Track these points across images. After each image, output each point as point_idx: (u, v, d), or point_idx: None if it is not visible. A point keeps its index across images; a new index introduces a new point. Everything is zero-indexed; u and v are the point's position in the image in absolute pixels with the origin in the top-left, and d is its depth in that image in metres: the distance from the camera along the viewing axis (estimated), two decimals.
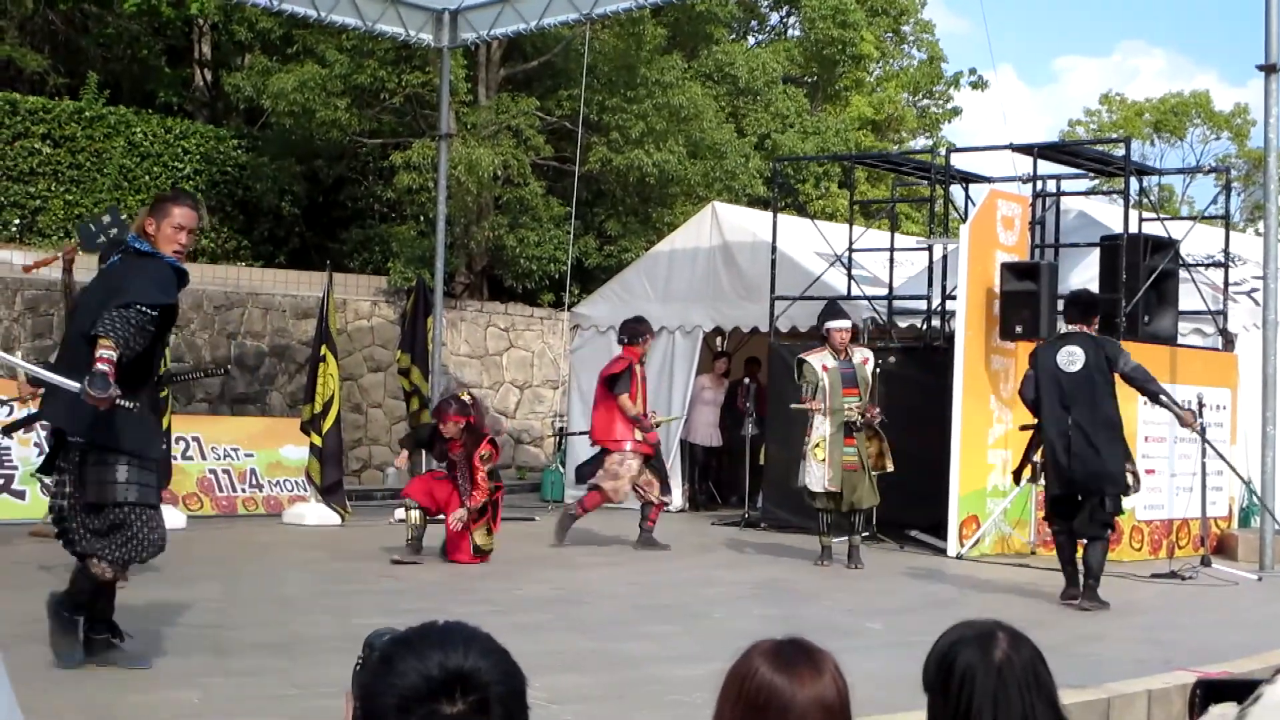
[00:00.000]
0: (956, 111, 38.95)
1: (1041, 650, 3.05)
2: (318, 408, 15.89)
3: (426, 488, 13.27)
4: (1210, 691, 2.09)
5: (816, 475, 13.47)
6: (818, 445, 13.49)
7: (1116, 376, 11.56)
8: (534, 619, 9.95)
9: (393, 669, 2.16)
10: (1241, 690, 1.98)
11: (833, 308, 14.18)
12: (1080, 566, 11.43)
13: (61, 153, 21.60)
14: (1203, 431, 13.18)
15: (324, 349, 16.06)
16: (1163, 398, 11.69)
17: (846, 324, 13.83)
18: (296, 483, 16.51)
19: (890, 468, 13.60)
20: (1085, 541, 11.43)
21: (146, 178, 22.34)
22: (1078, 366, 11.50)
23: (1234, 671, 8.54)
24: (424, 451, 14.54)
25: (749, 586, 12.35)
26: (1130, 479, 11.50)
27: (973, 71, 38.36)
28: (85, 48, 24.84)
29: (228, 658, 8.23)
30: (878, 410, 13.54)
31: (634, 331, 14.76)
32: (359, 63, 22.44)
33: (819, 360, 13.63)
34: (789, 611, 10.88)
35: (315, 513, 15.74)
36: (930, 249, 16.73)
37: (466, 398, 13.47)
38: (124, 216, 13.36)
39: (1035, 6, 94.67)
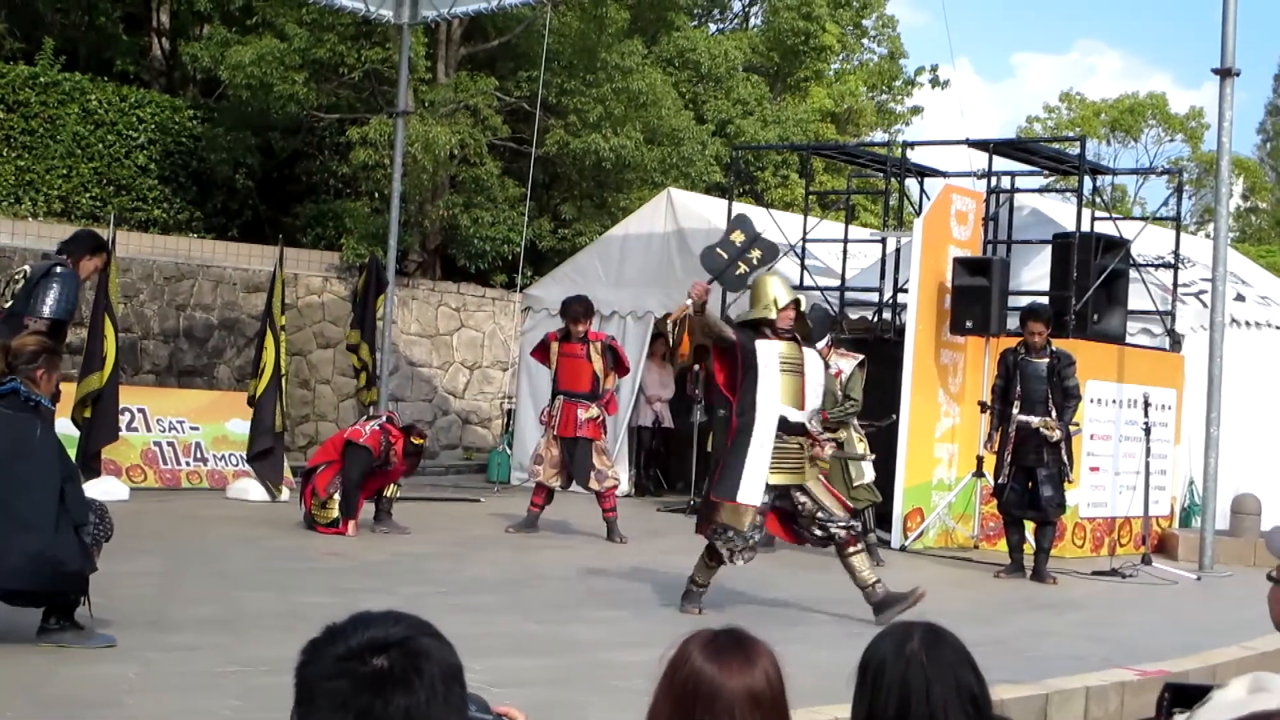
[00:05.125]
0: (917, 110, 39.00)
1: (982, 645, 3.07)
2: (264, 382, 15.81)
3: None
4: (1179, 694, 2.11)
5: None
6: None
7: None
8: (480, 601, 9.91)
9: (323, 649, 2.30)
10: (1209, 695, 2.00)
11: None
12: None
13: (15, 118, 21.34)
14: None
15: (270, 325, 15.98)
16: None
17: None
18: (241, 457, 16.38)
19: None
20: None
21: (100, 146, 22.12)
22: None
23: (1171, 670, 8.62)
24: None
25: None
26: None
27: (933, 69, 38.42)
28: (42, 12, 24.58)
29: (168, 633, 8.16)
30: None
31: (561, 310, 14.71)
32: (318, 37, 22.30)
33: None
34: (736, 600, 10.90)
35: (259, 488, 15.63)
36: (884, 241, 16.78)
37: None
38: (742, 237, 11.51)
39: (994, 2, 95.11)
